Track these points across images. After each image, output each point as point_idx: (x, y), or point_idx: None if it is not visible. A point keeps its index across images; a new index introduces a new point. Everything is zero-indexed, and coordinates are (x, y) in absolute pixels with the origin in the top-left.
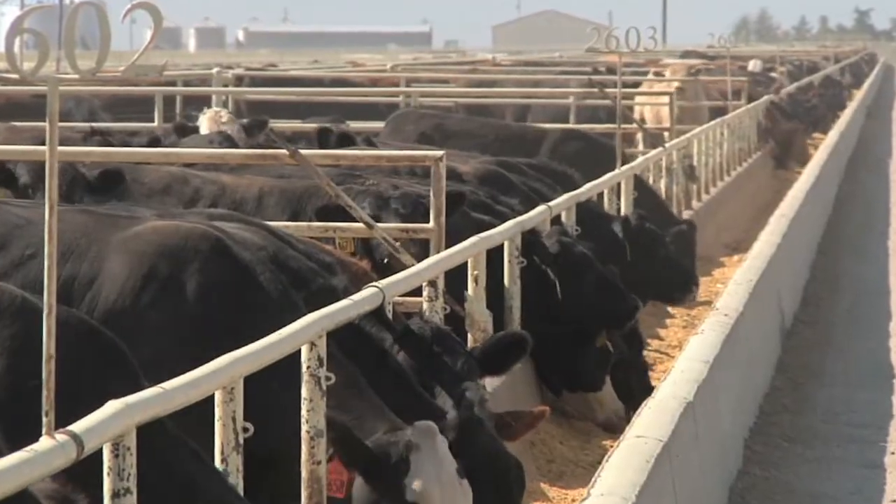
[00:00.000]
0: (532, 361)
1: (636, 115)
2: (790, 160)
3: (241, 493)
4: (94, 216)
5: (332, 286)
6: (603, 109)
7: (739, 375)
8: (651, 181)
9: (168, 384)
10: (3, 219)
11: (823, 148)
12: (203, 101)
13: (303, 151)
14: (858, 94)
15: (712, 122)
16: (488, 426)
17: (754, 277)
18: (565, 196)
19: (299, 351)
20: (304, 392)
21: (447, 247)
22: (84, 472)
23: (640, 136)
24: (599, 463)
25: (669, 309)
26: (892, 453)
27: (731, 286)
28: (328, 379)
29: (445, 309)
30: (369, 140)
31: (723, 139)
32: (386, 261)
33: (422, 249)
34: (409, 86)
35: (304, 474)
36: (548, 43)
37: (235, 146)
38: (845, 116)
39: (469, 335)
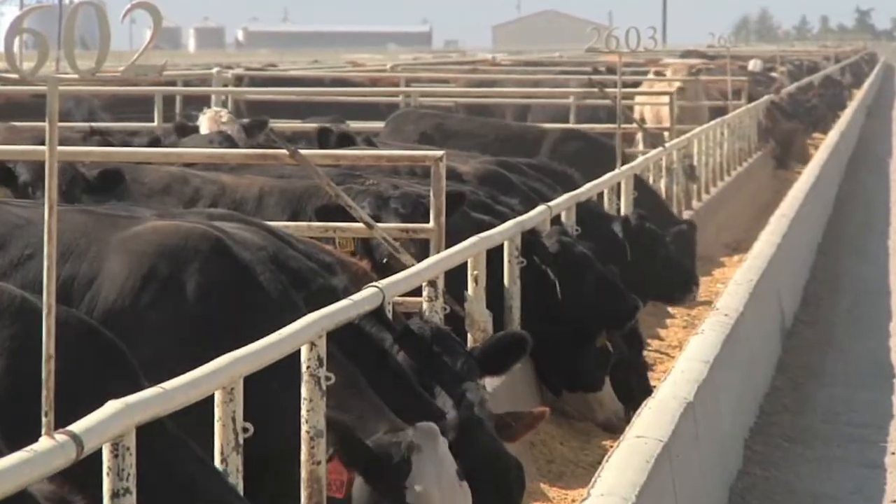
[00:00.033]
0: (532, 361)
1: (636, 115)
2: (791, 160)
3: (241, 493)
4: (94, 216)
5: (331, 286)
6: (603, 109)
7: (740, 375)
8: (651, 181)
9: (168, 384)
10: (3, 219)
11: (824, 148)
12: (203, 101)
13: (303, 151)
14: (859, 94)
15: (712, 122)
16: (488, 427)
17: (754, 277)
18: (565, 196)
19: (299, 351)
20: (303, 392)
21: (447, 247)
22: (83, 472)
23: (640, 135)
24: (599, 463)
25: (669, 309)
26: (893, 453)
27: (731, 286)
28: (328, 379)
29: (445, 309)
30: (369, 140)
31: (723, 139)
32: (385, 260)
33: (422, 249)
34: (408, 86)
35: (303, 474)
36: (548, 43)
37: (235, 146)
38: (845, 116)
39: (469, 335)
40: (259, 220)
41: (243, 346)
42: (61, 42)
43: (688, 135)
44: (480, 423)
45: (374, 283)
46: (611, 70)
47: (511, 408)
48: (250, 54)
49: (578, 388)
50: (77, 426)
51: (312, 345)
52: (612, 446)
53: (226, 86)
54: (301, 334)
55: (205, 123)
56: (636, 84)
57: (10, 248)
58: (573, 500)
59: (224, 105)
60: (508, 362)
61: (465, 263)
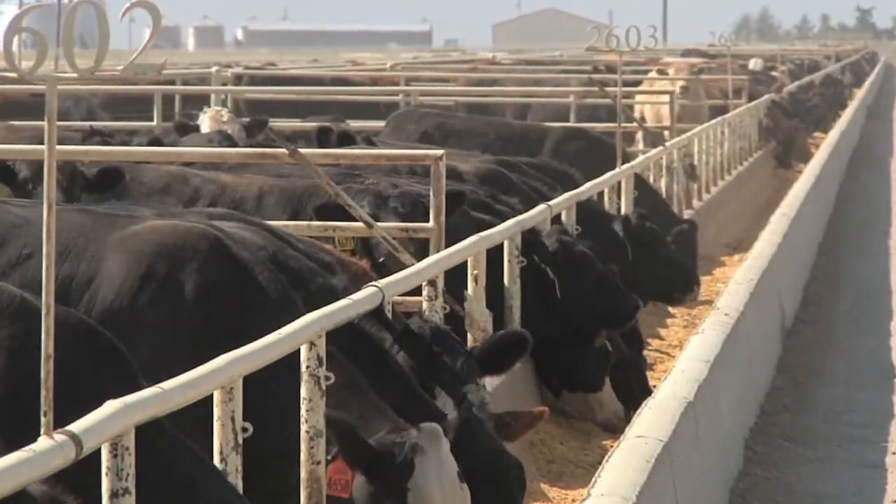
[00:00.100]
0: (532, 361)
1: (636, 114)
2: (792, 159)
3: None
4: (93, 215)
5: (331, 286)
6: (603, 108)
7: (740, 375)
8: (651, 180)
9: (167, 384)
10: (2, 218)
11: (824, 147)
12: (202, 100)
13: (302, 150)
14: (859, 93)
15: (713, 121)
16: (488, 427)
17: (755, 277)
18: (565, 195)
19: (298, 351)
20: (303, 392)
21: (447, 246)
22: (82, 472)
23: (640, 134)
24: (599, 463)
25: (670, 308)
26: (894, 453)
27: (731, 286)
28: (327, 379)
29: (445, 308)
30: (369, 139)
31: (723, 138)
32: (382, 259)
33: (421, 249)
34: (408, 85)
35: (303, 474)
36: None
37: (235, 145)
38: (846, 115)
39: (469, 335)
40: (259, 219)
41: (242, 345)
42: (60, 41)
43: (688, 134)
44: (480, 423)
45: (373, 283)
46: (611, 69)
47: (511, 407)
48: (250, 53)
49: (578, 389)
50: (76, 426)
51: (312, 344)
52: (612, 446)
53: (225, 85)
54: (300, 334)
55: (205, 122)
56: (636, 83)
57: (9, 247)
58: (573, 501)
59: (223, 104)
60: (508, 362)
61: (465, 263)
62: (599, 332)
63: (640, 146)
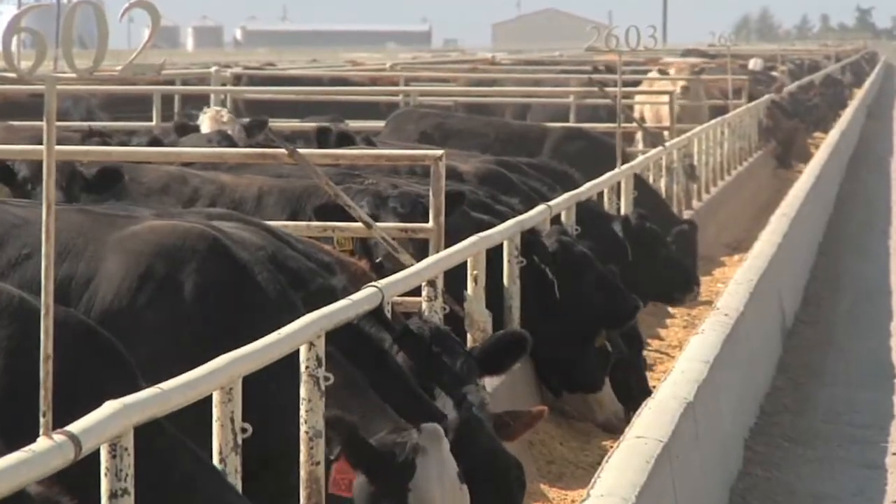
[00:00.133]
0: (531, 362)
1: (636, 115)
2: (792, 159)
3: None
4: (92, 216)
5: (330, 286)
6: (603, 108)
7: (740, 375)
8: (651, 180)
9: (166, 384)
10: (1, 218)
11: (824, 147)
12: (201, 100)
13: (302, 151)
14: (859, 93)
15: (713, 122)
16: (488, 427)
17: (755, 277)
18: (565, 195)
19: (298, 351)
20: (302, 392)
21: (446, 246)
22: (81, 472)
23: (640, 135)
24: (599, 464)
25: (670, 309)
26: (894, 454)
27: (731, 286)
28: (327, 379)
29: (445, 309)
30: (368, 139)
31: (723, 138)
32: (379, 260)
33: (421, 249)
34: (408, 85)
35: (302, 475)
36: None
37: (234, 145)
38: (846, 115)
39: (468, 335)
40: (258, 219)
41: (241, 346)
42: (59, 41)
43: (688, 134)
44: (480, 423)
45: (373, 283)
46: (610, 69)
47: (511, 408)
48: (249, 53)
49: (578, 389)
50: (75, 426)
51: (311, 345)
52: (611, 447)
53: (224, 85)
54: (300, 334)
55: (206, 123)
56: (636, 83)
57: (8, 247)
58: (573, 501)
59: (222, 104)
60: (508, 362)
61: (465, 263)
62: (599, 333)
63: (640, 146)
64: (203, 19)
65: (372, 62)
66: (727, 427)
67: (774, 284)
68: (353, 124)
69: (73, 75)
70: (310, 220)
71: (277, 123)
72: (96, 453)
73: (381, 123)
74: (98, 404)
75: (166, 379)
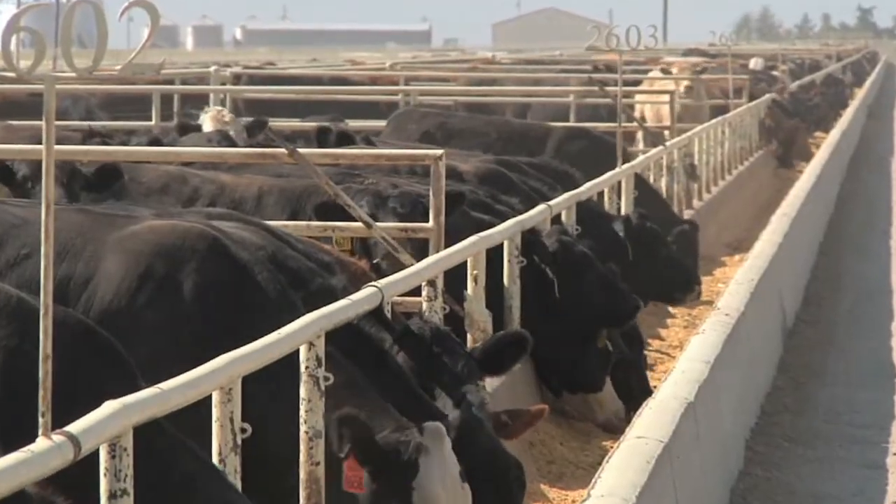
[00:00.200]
0: (532, 362)
1: (636, 114)
2: (793, 158)
3: None
4: (91, 215)
5: (330, 286)
6: (604, 107)
7: (741, 375)
8: (652, 180)
9: (165, 384)
10: (0, 218)
11: (825, 146)
12: (201, 100)
13: (302, 150)
14: (860, 93)
15: (713, 121)
16: (488, 427)
17: (756, 277)
18: (566, 195)
19: (298, 351)
20: (302, 392)
21: (446, 246)
22: (80, 472)
23: (640, 134)
24: (599, 464)
25: (670, 309)
26: (895, 454)
27: (732, 286)
28: (326, 379)
29: (445, 309)
30: (368, 139)
31: (724, 138)
32: (376, 261)
33: (421, 249)
34: (408, 84)
35: (302, 475)
36: (548, 41)
37: (234, 145)
38: (847, 115)
39: (468, 335)
40: (258, 219)
41: (241, 346)
42: (58, 40)
43: (688, 133)
44: (480, 423)
45: (373, 283)
46: (611, 69)
47: (510, 408)
48: (248, 52)
49: (579, 389)
50: (74, 427)
51: (311, 345)
52: (612, 447)
53: (224, 84)
54: (299, 334)
55: (207, 122)
56: (637, 82)
57: (7, 247)
58: (573, 501)
59: (222, 104)
60: (508, 362)
61: (465, 263)
62: (600, 333)
63: (641, 146)
64: (203, 18)
65: (372, 62)
66: (728, 427)
67: (775, 284)
68: (354, 124)
69: (73, 75)
70: (310, 220)
71: (277, 123)
72: (95, 453)
73: (381, 123)
74: (97, 404)
75: (166, 379)
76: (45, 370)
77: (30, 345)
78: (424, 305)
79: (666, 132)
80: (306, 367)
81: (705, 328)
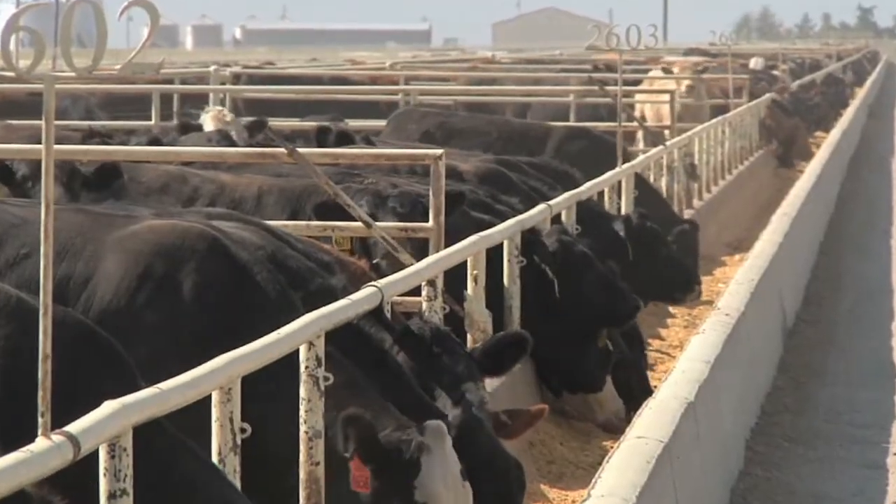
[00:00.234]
0: (532, 362)
1: (636, 113)
2: (793, 158)
3: None
4: (90, 215)
5: (330, 286)
6: (604, 107)
7: (741, 375)
8: (652, 180)
9: (165, 384)
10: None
11: (826, 146)
12: (200, 100)
13: (301, 150)
14: (861, 93)
15: (713, 121)
16: (488, 427)
17: (756, 277)
18: (566, 195)
19: (297, 351)
20: (302, 392)
21: (446, 246)
22: (79, 473)
23: (640, 134)
24: (600, 464)
25: (670, 309)
26: (895, 454)
27: (732, 285)
28: (326, 379)
29: (444, 308)
30: (368, 139)
31: (724, 137)
32: (376, 261)
33: (421, 249)
34: (408, 84)
35: (302, 475)
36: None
37: (234, 145)
38: (848, 115)
39: (468, 335)
40: (258, 219)
41: (241, 346)
42: (58, 40)
43: (689, 133)
44: (480, 423)
45: (372, 283)
46: (611, 68)
47: (510, 408)
48: (248, 52)
49: (579, 389)
50: (74, 427)
51: (311, 345)
52: (612, 447)
53: (223, 84)
54: (299, 334)
55: (208, 122)
56: (637, 82)
57: (6, 247)
58: (573, 501)
59: (222, 103)
60: (508, 363)
61: (465, 263)
62: (600, 333)
63: (641, 145)
64: (202, 18)
65: (372, 61)
66: (728, 427)
67: (775, 284)
68: (353, 123)
69: (72, 74)
70: (309, 220)
71: (277, 123)
72: (95, 454)
73: (381, 123)
74: (97, 404)
75: (165, 379)
76: (44, 370)
77: (29, 344)
78: (424, 305)
79: (666, 132)
80: (306, 367)
81: (705, 328)
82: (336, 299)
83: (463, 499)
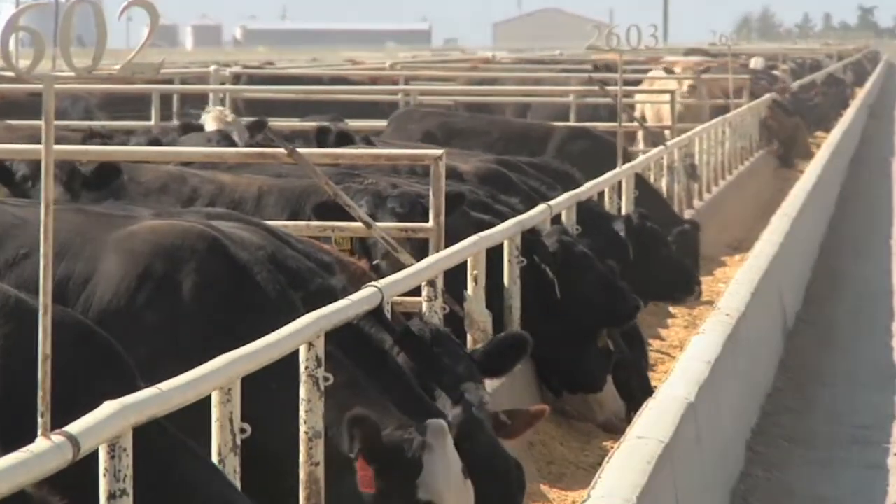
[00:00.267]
0: (532, 362)
1: (637, 114)
2: (794, 158)
3: None
4: (90, 215)
5: (330, 286)
6: (604, 107)
7: (741, 376)
8: (652, 180)
9: (165, 385)
10: None
11: (826, 147)
12: (200, 100)
13: (301, 150)
14: (861, 93)
15: (714, 121)
16: (488, 427)
17: (756, 277)
18: (566, 195)
19: (297, 351)
20: (301, 393)
21: (446, 246)
22: (79, 473)
23: (640, 134)
24: (600, 464)
25: (671, 309)
26: (895, 454)
27: (732, 286)
28: (326, 379)
29: (445, 309)
30: (368, 139)
31: (724, 137)
32: (376, 262)
33: (421, 249)
34: (408, 84)
35: (302, 476)
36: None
37: (234, 145)
38: (848, 115)
39: (468, 335)
40: (258, 219)
41: (241, 346)
42: (57, 40)
43: (689, 133)
44: (480, 424)
45: (372, 283)
46: (611, 68)
47: (510, 408)
48: (248, 52)
49: (579, 389)
50: (73, 427)
51: (310, 345)
52: (612, 447)
53: (223, 84)
54: (299, 334)
55: (210, 122)
56: (637, 82)
57: (6, 247)
58: (573, 502)
59: (221, 103)
60: (509, 364)
61: (465, 263)
62: (600, 333)
63: (641, 146)
64: (202, 18)
65: (372, 61)
66: (728, 428)
67: (776, 284)
68: (354, 123)
69: (72, 74)
70: (310, 220)
71: (277, 123)
72: (95, 454)
73: (381, 123)
74: (96, 405)
75: (165, 379)
76: (44, 370)
77: (28, 345)
78: (424, 306)
79: (666, 132)
80: (306, 368)
81: (706, 328)
82: (336, 299)
83: (465, 497)
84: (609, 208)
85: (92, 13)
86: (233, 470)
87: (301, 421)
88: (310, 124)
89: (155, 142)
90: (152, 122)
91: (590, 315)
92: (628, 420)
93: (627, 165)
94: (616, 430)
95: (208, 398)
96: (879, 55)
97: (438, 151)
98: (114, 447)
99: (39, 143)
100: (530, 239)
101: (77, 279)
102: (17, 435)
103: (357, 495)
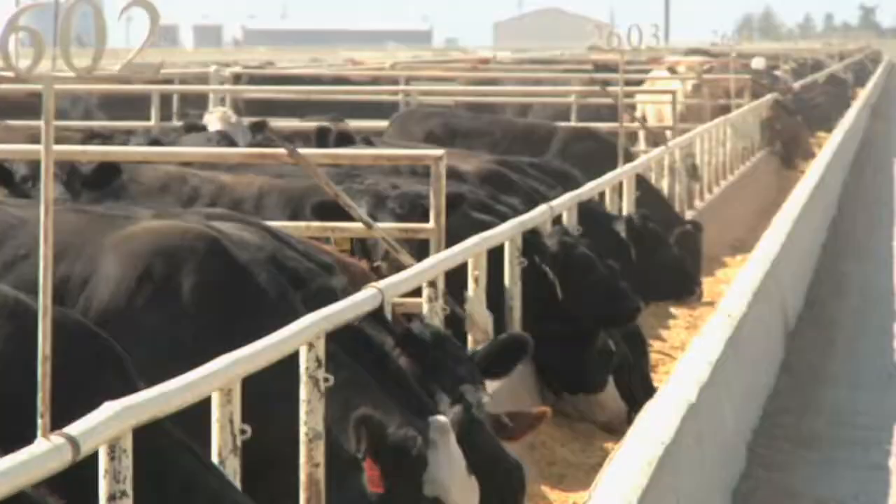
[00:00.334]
0: (532, 363)
1: (638, 114)
2: (795, 158)
3: None
4: (90, 216)
5: (330, 287)
6: (605, 107)
7: (743, 376)
8: (653, 180)
9: (165, 386)
10: None
11: (828, 147)
12: (200, 100)
13: (302, 150)
14: (863, 93)
15: (715, 121)
16: (487, 428)
17: (758, 278)
18: (567, 196)
19: (298, 352)
20: (302, 394)
21: (447, 247)
22: (79, 474)
23: (642, 134)
24: (601, 465)
25: (672, 309)
26: None
27: (734, 286)
28: (326, 380)
29: (445, 310)
30: (368, 139)
31: (726, 138)
32: (377, 264)
33: (421, 250)
34: (408, 84)
35: (302, 477)
36: (549, 41)
37: (234, 145)
38: (850, 115)
39: (469, 336)
40: (258, 219)
41: (241, 347)
42: (57, 40)
43: (690, 133)
44: (480, 424)
45: (373, 284)
46: (612, 68)
47: (511, 409)
48: (248, 52)
49: (580, 390)
50: (73, 428)
51: (311, 346)
52: (613, 448)
53: (223, 84)
54: (299, 335)
55: (213, 123)
56: (638, 82)
57: (5, 248)
58: (574, 503)
59: (222, 103)
60: (509, 365)
61: (466, 264)
62: (601, 333)
63: (642, 146)
64: (202, 18)
65: (372, 61)
66: (730, 428)
67: (777, 285)
68: (354, 124)
69: (72, 74)
70: (310, 221)
71: (277, 123)
72: (95, 455)
73: (381, 123)
74: (96, 406)
75: (165, 380)
76: (43, 371)
77: (28, 345)
78: (425, 306)
79: (668, 132)
80: (306, 369)
81: (707, 329)
82: (336, 300)
83: (470, 491)
84: (610, 209)
85: (92, 13)
86: (233, 471)
87: (301, 422)
88: (310, 124)
89: (155, 142)
90: (152, 123)
91: (591, 316)
92: (629, 421)
93: (629, 166)
94: (617, 431)
95: (209, 399)
96: (881, 55)
97: (438, 152)
98: (114, 448)
99: (39, 143)
100: (531, 240)
101: (77, 280)
102: (17, 436)
103: (358, 495)
